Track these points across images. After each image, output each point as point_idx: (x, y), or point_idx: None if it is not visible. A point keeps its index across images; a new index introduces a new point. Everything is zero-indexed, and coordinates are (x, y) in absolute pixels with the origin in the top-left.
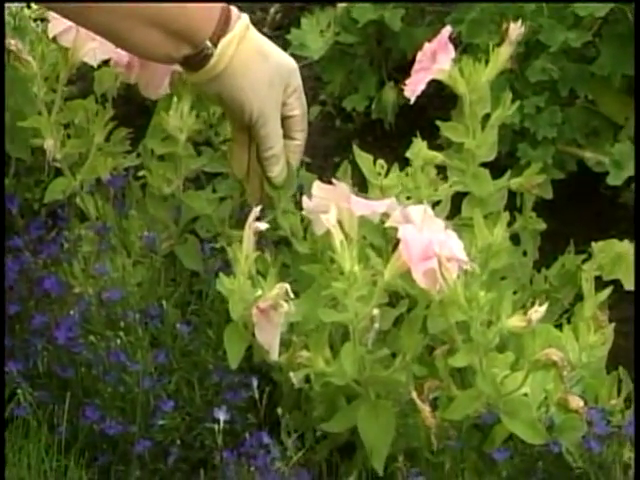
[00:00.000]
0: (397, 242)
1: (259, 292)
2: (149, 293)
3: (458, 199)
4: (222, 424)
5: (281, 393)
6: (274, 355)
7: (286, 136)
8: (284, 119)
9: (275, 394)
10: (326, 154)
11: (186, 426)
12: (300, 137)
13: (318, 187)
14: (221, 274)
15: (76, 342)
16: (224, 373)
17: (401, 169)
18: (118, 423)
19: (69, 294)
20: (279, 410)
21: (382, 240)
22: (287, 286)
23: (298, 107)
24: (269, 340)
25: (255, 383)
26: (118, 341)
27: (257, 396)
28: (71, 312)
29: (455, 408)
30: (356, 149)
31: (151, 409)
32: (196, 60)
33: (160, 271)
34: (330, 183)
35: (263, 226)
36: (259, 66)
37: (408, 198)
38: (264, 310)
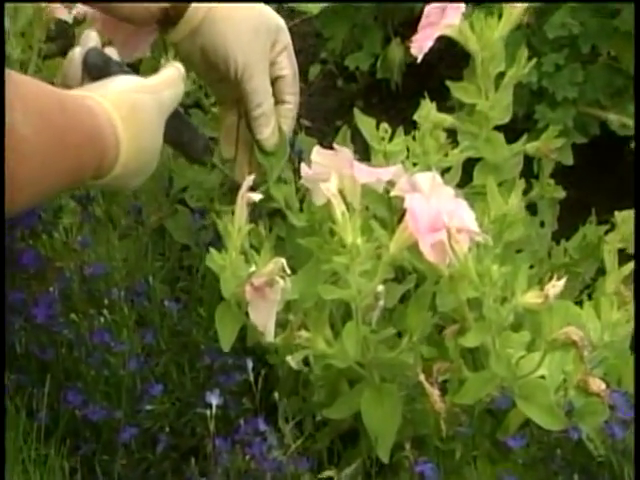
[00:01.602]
0: (403, 212)
1: (252, 268)
2: (135, 268)
3: (470, 166)
4: (214, 409)
5: (278, 376)
6: (270, 336)
7: (277, 100)
8: (274, 80)
9: (271, 377)
10: (327, 117)
11: (176, 412)
12: (292, 100)
13: (318, 153)
14: (211, 249)
15: (56, 321)
16: (216, 355)
17: (408, 133)
18: (102, 408)
19: (49, 269)
20: (276, 394)
21: (387, 211)
22: (283, 261)
23: (288, 66)
24: (264, 320)
25: (250, 365)
26: (102, 320)
27: (252, 379)
28: (51, 288)
29: (466, 392)
30: (358, 113)
31: (138, 393)
32: (175, 11)
33: (147, 245)
34: (331, 148)
35: (257, 196)
36: (242, 12)
37: (415, 165)
38: (258, 287)
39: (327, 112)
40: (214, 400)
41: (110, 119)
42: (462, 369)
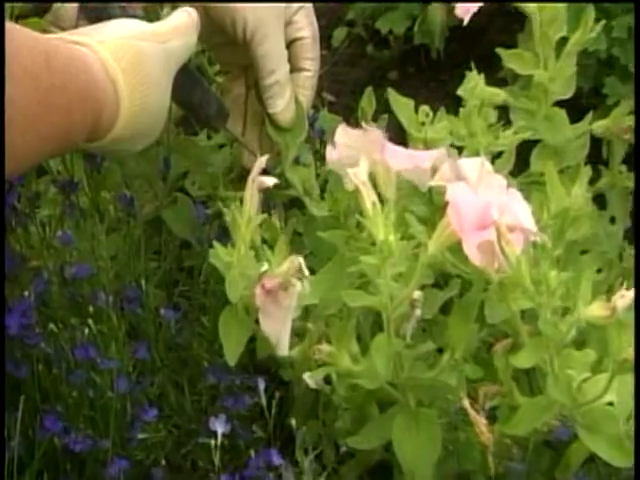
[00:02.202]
0: (445, 206)
1: (264, 267)
2: (126, 269)
3: (525, 150)
4: (220, 439)
5: (295, 398)
6: (284, 349)
7: (293, 67)
8: (290, 43)
9: (287, 399)
10: (354, 90)
11: (174, 441)
12: (311, 67)
13: (344, 133)
14: (216, 244)
15: (32, 331)
16: (222, 373)
17: (450, 111)
18: (86, 437)
19: (23, 269)
20: (292, 420)
21: (425, 203)
22: (300, 259)
23: (307, 26)
24: (277, 330)
25: (262, 386)
26: (86, 331)
27: (264, 402)
28: (26, 293)
29: (519, 420)
30: (392, 93)
31: (128, 419)
32: None
33: (140, 240)
34: (359, 127)
35: (270, 181)
36: None
37: (460, 149)
38: (270, 290)
39: (354, 84)
40: (219, 427)
41: (108, 71)
42: (514, 393)
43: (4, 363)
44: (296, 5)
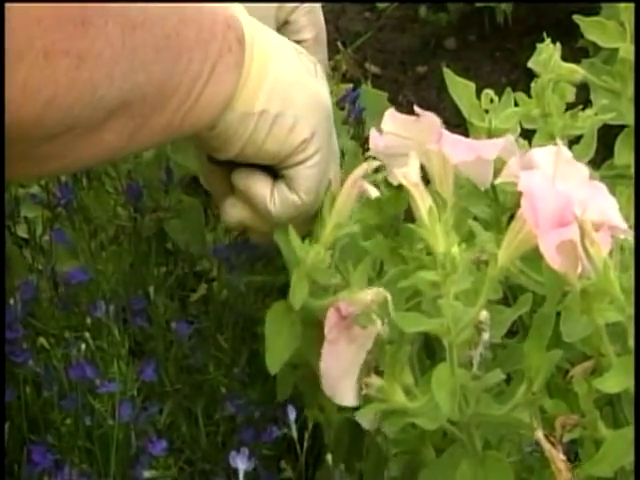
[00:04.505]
0: (514, 209)
1: (338, 278)
2: (130, 274)
3: (608, 136)
4: (242, 478)
5: (332, 431)
6: (344, 396)
7: None
8: None
9: (322, 432)
10: (403, 61)
11: None
12: None
13: (392, 119)
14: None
15: (18, 347)
16: (243, 401)
17: (518, 87)
18: (81, 474)
19: (8, 273)
20: (329, 457)
21: (489, 205)
22: (388, 295)
23: (307, 27)
24: (338, 373)
25: (292, 416)
26: (82, 346)
27: (295, 435)
28: (11, 301)
29: (603, 457)
30: (448, 73)
31: (132, 452)
32: None
33: (148, 240)
34: (410, 112)
35: (374, 193)
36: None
37: (530, 133)
38: (346, 318)
39: (404, 54)
40: (241, 464)
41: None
42: (598, 425)
43: (4, 363)
44: (292, 4)
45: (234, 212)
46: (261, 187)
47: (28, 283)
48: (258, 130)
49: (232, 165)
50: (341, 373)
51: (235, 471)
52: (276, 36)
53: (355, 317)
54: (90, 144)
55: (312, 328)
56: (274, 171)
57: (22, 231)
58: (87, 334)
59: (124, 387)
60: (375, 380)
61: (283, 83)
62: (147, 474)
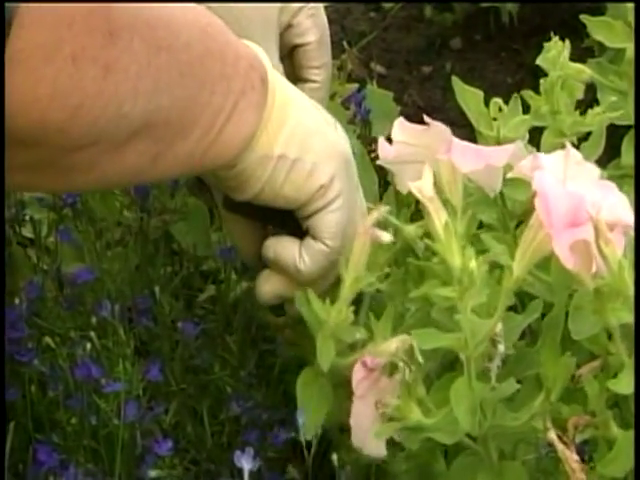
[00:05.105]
0: (524, 215)
1: (360, 333)
2: (136, 274)
3: (615, 136)
4: (247, 478)
5: (338, 434)
6: (373, 451)
7: (297, 77)
8: (292, 50)
9: (328, 435)
10: (409, 61)
11: None
12: (317, 77)
13: (401, 129)
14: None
15: (23, 347)
16: (249, 401)
17: (524, 85)
18: (87, 473)
19: (13, 274)
20: (334, 458)
21: (497, 214)
22: (413, 343)
23: (311, 29)
24: (368, 427)
25: (301, 419)
26: (88, 346)
27: (302, 437)
28: (17, 301)
29: (616, 457)
30: (456, 80)
31: (138, 452)
32: None
33: (154, 240)
34: (421, 121)
35: (387, 237)
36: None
37: (538, 131)
38: (373, 370)
39: (409, 54)
40: (246, 465)
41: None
42: (610, 425)
43: (4, 362)
44: (296, 5)
45: (268, 287)
46: (289, 248)
47: (33, 283)
48: (276, 174)
49: (250, 213)
50: (371, 425)
51: (240, 471)
52: (294, 87)
53: (382, 368)
54: (114, 162)
55: (341, 387)
56: (303, 234)
57: (27, 231)
58: (92, 334)
59: (130, 387)
60: (391, 399)
61: (303, 129)
62: (152, 474)
